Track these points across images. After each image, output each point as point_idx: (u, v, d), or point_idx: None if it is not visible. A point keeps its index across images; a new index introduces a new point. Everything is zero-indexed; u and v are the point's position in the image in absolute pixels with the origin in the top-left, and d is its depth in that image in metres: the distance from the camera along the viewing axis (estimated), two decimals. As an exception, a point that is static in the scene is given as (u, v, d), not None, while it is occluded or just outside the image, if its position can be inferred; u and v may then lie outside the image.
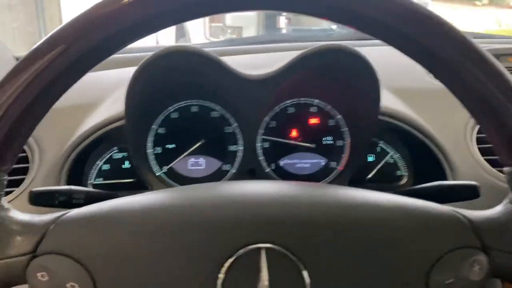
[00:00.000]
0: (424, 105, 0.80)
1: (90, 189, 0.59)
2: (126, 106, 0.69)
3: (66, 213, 0.39)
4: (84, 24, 0.35)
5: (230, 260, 0.37)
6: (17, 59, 0.99)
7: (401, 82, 0.84)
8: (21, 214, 0.40)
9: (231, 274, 0.37)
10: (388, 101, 0.74)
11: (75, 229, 0.38)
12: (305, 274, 0.37)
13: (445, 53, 0.36)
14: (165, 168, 0.80)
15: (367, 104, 0.72)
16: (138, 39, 0.38)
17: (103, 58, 0.37)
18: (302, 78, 0.72)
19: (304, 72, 0.70)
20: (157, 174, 0.79)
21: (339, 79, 0.73)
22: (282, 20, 4.16)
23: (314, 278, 0.37)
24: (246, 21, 4.24)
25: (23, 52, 1.00)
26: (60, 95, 0.38)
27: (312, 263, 0.37)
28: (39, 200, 0.55)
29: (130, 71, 0.89)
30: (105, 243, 0.38)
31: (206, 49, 0.68)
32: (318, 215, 0.39)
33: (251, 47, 1.09)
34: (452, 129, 0.76)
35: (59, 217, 0.39)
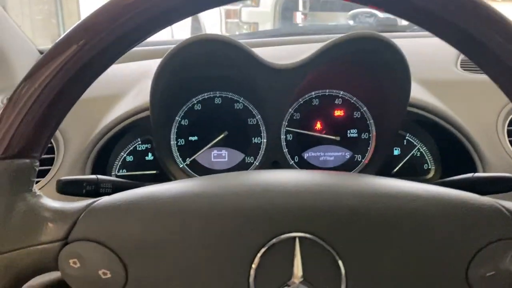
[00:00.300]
0: (452, 97, 0.78)
1: (117, 179, 0.59)
2: (151, 94, 0.68)
3: (98, 200, 0.39)
4: (111, 14, 0.35)
5: (263, 250, 0.36)
6: (40, 52, 1.00)
7: (428, 73, 0.82)
8: (52, 201, 0.39)
9: (264, 264, 0.36)
10: (416, 92, 0.72)
11: (107, 216, 0.38)
12: (340, 264, 0.36)
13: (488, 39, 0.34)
14: (188, 160, 0.80)
15: (396, 94, 0.70)
16: (166, 26, 0.37)
17: (130, 47, 0.37)
18: (330, 68, 0.71)
19: (334, 61, 0.69)
20: (180, 166, 0.79)
21: (368, 68, 0.71)
22: (299, 15, 4.14)
23: (349, 269, 0.36)
24: (262, 17, 4.22)
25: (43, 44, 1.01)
26: (89, 83, 0.38)
27: (347, 254, 0.36)
28: (67, 189, 0.54)
29: (152, 63, 0.89)
30: (137, 230, 0.37)
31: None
32: (354, 204, 0.38)
33: (270, 39, 1.08)
34: (483, 121, 0.74)
35: (90, 204, 0.39)
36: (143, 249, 0.37)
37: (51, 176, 0.70)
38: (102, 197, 0.40)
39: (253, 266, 0.36)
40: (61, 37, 0.37)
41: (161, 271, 0.37)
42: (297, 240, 0.36)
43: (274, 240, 0.36)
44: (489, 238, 0.37)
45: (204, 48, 0.66)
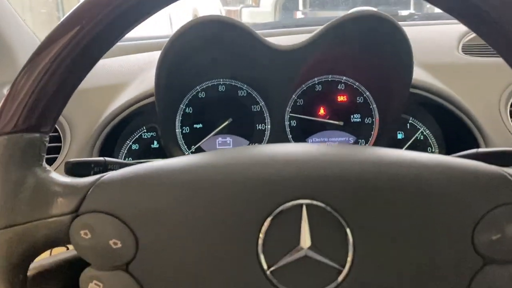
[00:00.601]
0: (454, 79, 0.78)
1: (124, 161, 0.59)
2: (156, 79, 0.69)
3: (107, 174, 0.40)
4: None
5: (271, 217, 0.37)
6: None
7: (429, 57, 0.83)
8: (61, 176, 0.40)
9: (272, 231, 0.36)
10: (418, 74, 0.73)
11: (116, 187, 0.38)
12: (347, 230, 0.36)
13: None
14: (193, 148, 0.80)
15: (398, 75, 0.70)
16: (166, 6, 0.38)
17: (136, 21, 0.38)
18: (333, 50, 0.71)
19: (337, 40, 0.69)
20: (185, 154, 0.80)
21: (370, 49, 0.72)
22: (299, 15, 4.14)
23: (357, 236, 0.36)
24: (263, 17, 4.22)
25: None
26: (96, 59, 0.39)
27: (354, 220, 0.36)
28: (75, 170, 0.55)
29: (155, 54, 0.90)
30: (146, 200, 0.38)
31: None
32: (360, 172, 0.38)
33: (270, 31, 1.08)
34: (486, 103, 0.74)
35: (100, 177, 0.39)
36: (153, 218, 0.37)
37: (58, 164, 0.71)
38: (111, 172, 0.40)
39: (261, 233, 0.36)
40: (71, 11, 0.38)
41: (171, 240, 0.37)
42: (304, 207, 0.36)
43: (281, 208, 0.36)
44: (494, 203, 0.37)
45: (207, 30, 0.67)
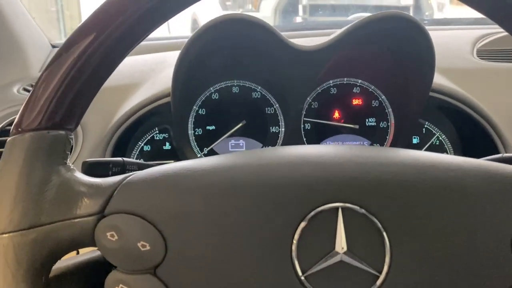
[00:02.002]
0: (472, 84, 0.77)
1: (142, 161, 0.58)
2: (174, 77, 0.68)
3: (134, 174, 0.38)
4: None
5: (305, 221, 0.35)
6: (53, 46, 1.00)
7: (446, 62, 0.82)
8: (86, 176, 0.39)
9: (307, 236, 0.35)
10: (436, 78, 0.72)
11: (144, 188, 0.37)
12: (384, 235, 0.35)
13: None
14: (205, 150, 0.79)
15: (418, 80, 0.69)
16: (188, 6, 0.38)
17: (158, 23, 0.37)
18: (354, 51, 0.70)
19: (361, 42, 0.68)
20: (198, 156, 0.78)
21: (393, 52, 0.71)
22: (299, 20, 4.15)
23: (394, 241, 0.35)
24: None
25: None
26: (121, 59, 0.38)
27: (392, 224, 0.35)
28: (93, 170, 0.54)
29: (167, 55, 0.89)
30: (176, 202, 0.36)
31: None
32: (397, 174, 0.37)
33: (287, 33, 1.08)
34: (505, 108, 0.74)
35: (125, 177, 0.38)
36: (182, 220, 0.36)
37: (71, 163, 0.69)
38: (136, 172, 0.39)
39: (295, 237, 0.35)
40: (95, 10, 0.37)
41: (201, 244, 0.36)
42: (340, 210, 0.35)
43: (316, 211, 0.35)
44: None
45: (230, 28, 0.66)
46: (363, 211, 0.35)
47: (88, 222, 0.36)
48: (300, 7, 4.12)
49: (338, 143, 0.80)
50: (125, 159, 0.56)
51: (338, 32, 0.69)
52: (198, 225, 0.36)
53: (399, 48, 0.70)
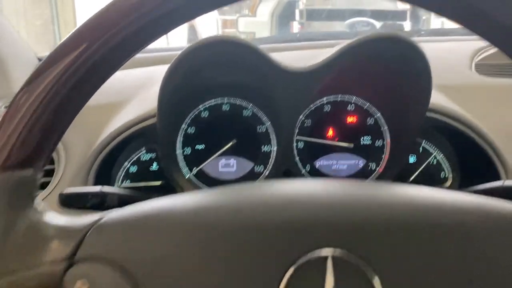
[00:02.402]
0: (470, 102, 0.75)
1: (123, 191, 0.55)
2: (159, 99, 0.65)
3: (106, 215, 0.35)
4: (117, 14, 0.32)
5: (292, 268, 0.33)
6: (39, 59, 0.97)
7: (443, 78, 0.79)
8: (56, 216, 0.36)
9: (294, 284, 0.32)
10: (433, 97, 0.69)
11: (117, 232, 0.34)
12: (378, 282, 0.32)
13: None
14: (194, 170, 0.76)
15: (415, 101, 0.67)
16: (174, 27, 0.35)
17: (137, 49, 0.34)
18: (347, 71, 0.68)
19: (354, 63, 0.66)
20: (186, 177, 0.75)
21: (388, 72, 0.68)
22: (296, 25, 4.13)
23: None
24: (259, 27, 4.22)
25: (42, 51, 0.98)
26: (95, 88, 0.35)
27: (385, 271, 0.33)
28: (70, 202, 0.51)
29: (156, 69, 0.86)
30: (152, 247, 0.33)
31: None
32: (391, 217, 0.34)
33: (270, 46, 1.05)
34: (505, 126, 0.71)
35: (98, 220, 0.35)
36: (159, 267, 0.33)
37: (51, 189, 0.66)
38: (110, 211, 0.36)
39: (282, 286, 0.32)
40: (63, 39, 0.34)
41: None
42: (329, 258, 0.33)
43: (303, 259, 0.32)
44: None
45: (217, 50, 0.63)
46: (354, 257, 0.33)
47: (56, 269, 0.34)
48: (297, 12, 4.11)
49: (332, 162, 0.78)
50: (105, 188, 0.53)
51: (331, 51, 0.66)
52: (176, 272, 0.33)
53: (395, 69, 0.67)
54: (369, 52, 0.64)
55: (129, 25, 0.32)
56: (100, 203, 0.51)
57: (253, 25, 4.28)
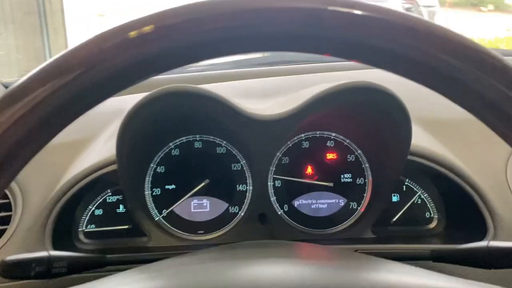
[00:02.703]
0: (454, 139, 0.71)
1: (72, 253, 0.50)
2: (117, 150, 0.60)
3: None
4: (94, 52, 0.28)
5: None
6: (5, 86, 0.92)
7: (426, 111, 0.75)
8: None
9: None
10: (416, 136, 0.65)
11: None
12: None
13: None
14: (165, 212, 0.71)
15: (395, 142, 0.63)
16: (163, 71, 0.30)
17: (111, 93, 0.30)
18: (321, 117, 0.64)
19: (325, 110, 0.62)
20: (155, 219, 0.71)
21: (365, 117, 0.64)
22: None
23: None
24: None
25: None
26: (57, 131, 0.31)
27: None
28: (12, 272, 0.46)
29: (128, 100, 0.81)
30: None
31: (208, 86, 0.60)
32: None
33: (255, 70, 1.00)
34: (490, 167, 0.67)
35: None
36: None
37: (7, 238, 0.61)
38: None
39: None
40: (29, 74, 0.29)
41: None
42: None
43: None
44: None
45: (175, 101, 0.59)
46: None
47: None
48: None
49: (311, 201, 0.73)
50: (52, 253, 0.48)
51: (304, 96, 0.61)
52: None
53: (373, 117, 0.63)
54: (342, 101, 0.60)
55: (107, 68, 0.28)
56: (46, 271, 0.47)
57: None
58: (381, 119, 0.62)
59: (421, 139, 0.68)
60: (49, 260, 0.47)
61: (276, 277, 0.32)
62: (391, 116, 0.59)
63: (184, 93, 0.57)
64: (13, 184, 0.65)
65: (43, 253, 0.47)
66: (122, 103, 0.82)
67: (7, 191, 0.65)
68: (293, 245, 0.46)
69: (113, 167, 0.64)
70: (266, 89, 0.83)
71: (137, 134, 0.60)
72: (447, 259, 0.51)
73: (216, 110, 0.60)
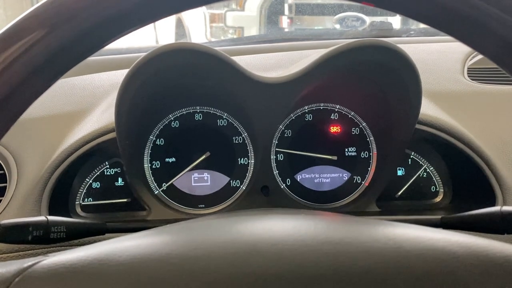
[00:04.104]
0: (462, 111, 0.69)
1: (71, 219, 0.48)
2: (116, 115, 0.58)
3: (36, 263, 0.29)
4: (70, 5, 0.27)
5: None
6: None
7: (434, 83, 0.74)
8: None
9: None
10: (424, 106, 0.63)
11: (45, 285, 0.28)
12: None
13: None
14: (164, 186, 0.69)
15: (403, 111, 0.61)
16: (137, 28, 0.29)
17: (89, 53, 0.28)
18: (328, 80, 0.62)
19: (334, 72, 0.59)
20: (155, 193, 0.69)
21: (372, 81, 0.62)
22: (285, 20, 4.06)
23: None
24: (248, 21, 4.14)
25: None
26: (41, 90, 0.29)
27: None
28: (9, 236, 0.44)
29: (122, 74, 0.79)
30: None
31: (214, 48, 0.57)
32: (370, 266, 0.29)
33: (256, 46, 0.98)
34: (499, 138, 0.66)
35: (26, 268, 0.29)
36: None
37: (2, 209, 0.59)
38: (42, 259, 0.30)
39: None
40: (9, 25, 0.28)
41: None
42: None
43: None
44: None
45: (179, 59, 0.56)
46: None
47: None
48: (286, 6, 4.05)
49: (314, 175, 0.72)
50: (50, 218, 0.46)
51: (304, 58, 0.59)
52: None
53: (381, 79, 0.61)
54: (351, 62, 0.58)
55: (90, 17, 0.27)
56: (44, 235, 0.45)
57: (241, 19, 4.20)
58: (389, 81, 0.60)
59: (427, 109, 0.66)
60: (47, 224, 0.45)
61: (291, 229, 0.31)
62: (399, 76, 0.57)
63: (186, 50, 0.55)
64: (8, 155, 0.63)
65: (41, 218, 0.45)
66: (120, 77, 0.80)
67: (1, 162, 0.63)
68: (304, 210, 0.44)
69: (111, 135, 0.62)
70: (268, 64, 0.81)
71: (137, 97, 0.58)
72: (459, 226, 0.49)
73: (219, 71, 0.58)
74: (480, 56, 0.82)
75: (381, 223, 0.35)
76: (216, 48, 0.78)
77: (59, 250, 0.54)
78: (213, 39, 3.46)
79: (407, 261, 0.29)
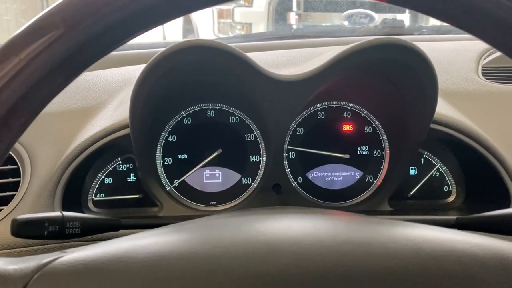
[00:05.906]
0: (477, 110, 0.69)
1: (86, 215, 0.49)
2: (131, 111, 0.58)
3: (55, 259, 0.30)
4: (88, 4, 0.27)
5: None
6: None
7: (448, 83, 0.73)
8: None
9: None
10: (439, 105, 0.63)
11: (65, 282, 0.28)
12: None
13: None
14: (176, 182, 0.70)
15: (418, 110, 0.61)
16: (153, 27, 0.29)
17: (111, 47, 0.29)
18: (343, 78, 0.61)
19: (350, 71, 0.59)
20: (167, 189, 0.69)
21: (388, 80, 0.62)
22: (293, 16, 4.05)
23: None
24: (256, 18, 4.13)
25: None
26: (58, 89, 0.29)
27: None
28: (24, 231, 0.44)
29: (138, 69, 0.79)
30: None
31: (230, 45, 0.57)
32: (388, 267, 0.28)
33: (266, 43, 0.98)
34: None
35: (45, 264, 0.29)
36: None
37: (15, 205, 0.60)
38: (60, 255, 0.30)
39: None
40: (27, 24, 0.28)
41: None
42: None
43: None
44: None
45: (195, 56, 0.56)
46: None
47: None
48: (294, 2, 4.03)
49: (326, 173, 0.71)
50: (65, 213, 0.47)
51: (325, 58, 0.59)
52: None
53: (397, 77, 0.61)
54: (369, 60, 0.57)
55: (106, 17, 0.27)
56: (60, 231, 0.45)
57: (249, 15, 4.19)
58: (405, 79, 0.59)
59: (442, 108, 0.65)
60: (63, 220, 0.45)
61: (311, 228, 0.31)
62: (416, 75, 0.56)
63: (205, 47, 0.55)
64: (22, 150, 0.63)
65: (56, 213, 0.45)
66: (131, 73, 0.80)
67: (15, 157, 0.63)
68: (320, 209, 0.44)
69: (125, 131, 0.62)
70: (279, 61, 0.80)
71: (151, 93, 0.58)
72: (475, 226, 0.49)
73: (235, 68, 0.58)
74: (494, 55, 0.82)
75: (399, 223, 0.35)
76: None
77: (72, 246, 0.54)
78: (221, 35, 3.45)
79: (427, 263, 0.29)
